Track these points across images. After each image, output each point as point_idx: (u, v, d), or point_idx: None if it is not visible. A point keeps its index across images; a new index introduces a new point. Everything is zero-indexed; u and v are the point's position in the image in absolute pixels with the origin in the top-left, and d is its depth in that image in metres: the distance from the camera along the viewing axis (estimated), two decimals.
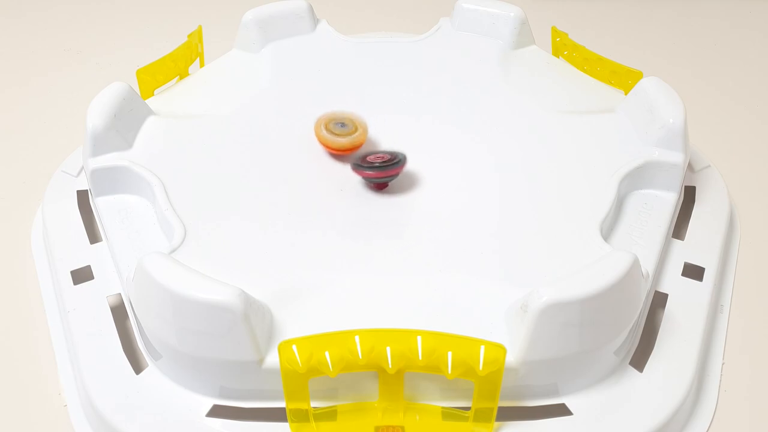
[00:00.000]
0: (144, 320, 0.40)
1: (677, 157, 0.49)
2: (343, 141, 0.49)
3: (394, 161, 0.47)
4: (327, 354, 0.36)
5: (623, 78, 0.56)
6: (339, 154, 0.50)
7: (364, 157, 0.48)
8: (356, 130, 0.50)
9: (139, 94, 0.53)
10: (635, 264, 0.40)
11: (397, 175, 0.48)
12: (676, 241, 0.50)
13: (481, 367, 0.36)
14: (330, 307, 0.41)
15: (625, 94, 0.54)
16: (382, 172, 0.47)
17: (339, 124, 0.50)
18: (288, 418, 0.38)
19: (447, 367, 0.36)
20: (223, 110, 0.54)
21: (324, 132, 0.50)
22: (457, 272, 0.43)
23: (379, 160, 0.47)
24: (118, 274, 0.46)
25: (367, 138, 0.50)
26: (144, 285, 0.39)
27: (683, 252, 0.49)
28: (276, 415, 0.39)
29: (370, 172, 0.47)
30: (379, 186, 0.48)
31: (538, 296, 0.38)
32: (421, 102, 0.55)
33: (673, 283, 0.47)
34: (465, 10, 0.61)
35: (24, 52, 0.76)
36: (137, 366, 0.42)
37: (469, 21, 0.61)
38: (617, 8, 0.83)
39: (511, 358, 0.38)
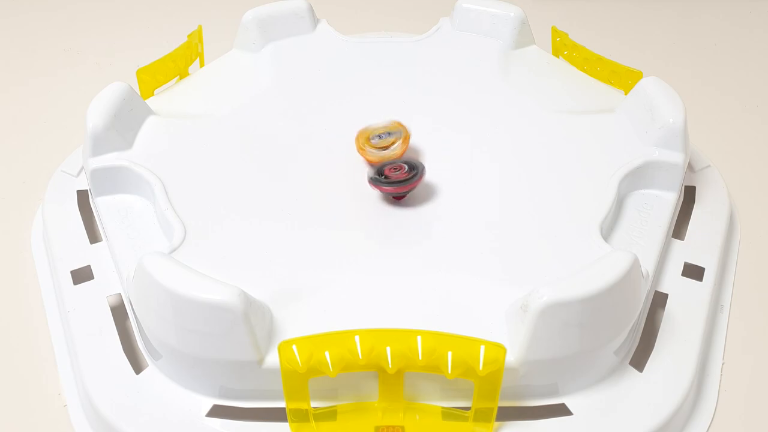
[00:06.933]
0: (144, 320, 0.40)
1: (677, 157, 0.49)
2: (381, 154, 0.48)
3: (412, 176, 0.46)
4: (327, 354, 0.36)
5: (623, 78, 0.56)
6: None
7: (381, 170, 0.47)
8: (395, 141, 0.49)
9: (139, 94, 0.53)
10: (635, 264, 0.40)
11: (414, 187, 0.47)
12: (676, 241, 0.50)
13: (481, 367, 0.36)
14: (330, 307, 0.41)
15: (625, 94, 0.54)
16: (402, 187, 0.46)
17: (376, 136, 0.49)
18: (288, 418, 0.38)
19: (447, 367, 0.36)
20: (224, 110, 0.54)
21: (366, 148, 0.49)
22: (457, 272, 0.43)
23: (396, 173, 0.47)
24: (118, 274, 0.46)
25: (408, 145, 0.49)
26: (144, 285, 0.39)
27: (683, 252, 0.49)
28: (276, 415, 0.39)
29: (388, 188, 0.46)
30: (398, 198, 0.48)
31: (538, 296, 0.38)
32: (421, 102, 0.55)
33: (673, 283, 0.47)
34: (465, 10, 0.61)
35: (24, 52, 0.76)
36: (137, 366, 0.42)
37: (469, 21, 0.61)
38: (617, 8, 0.83)
39: (511, 358, 0.38)
